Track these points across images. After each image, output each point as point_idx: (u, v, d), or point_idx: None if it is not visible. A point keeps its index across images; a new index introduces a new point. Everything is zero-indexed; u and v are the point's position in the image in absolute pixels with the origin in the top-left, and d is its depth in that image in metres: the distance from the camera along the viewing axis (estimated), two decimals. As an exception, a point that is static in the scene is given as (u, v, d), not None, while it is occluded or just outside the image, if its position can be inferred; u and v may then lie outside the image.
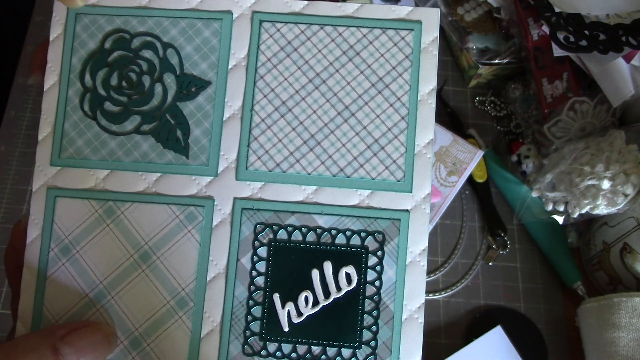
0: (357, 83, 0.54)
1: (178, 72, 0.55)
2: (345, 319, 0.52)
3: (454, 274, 1.00)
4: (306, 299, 0.52)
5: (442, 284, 0.99)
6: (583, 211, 0.88)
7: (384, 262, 0.52)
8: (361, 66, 0.54)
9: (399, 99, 0.54)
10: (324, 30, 0.55)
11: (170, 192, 0.54)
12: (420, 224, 0.53)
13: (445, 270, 0.99)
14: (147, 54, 0.55)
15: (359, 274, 0.52)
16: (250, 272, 0.53)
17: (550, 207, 0.94)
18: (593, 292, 0.97)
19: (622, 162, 0.83)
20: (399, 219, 0.53)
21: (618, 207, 0.85)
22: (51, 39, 0.55)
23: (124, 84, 0.55)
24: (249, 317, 0.52)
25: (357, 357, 0.51)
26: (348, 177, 0.53)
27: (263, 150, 0.54)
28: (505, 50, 1.05)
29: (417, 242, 0.53)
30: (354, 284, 0.52)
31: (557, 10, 0.91)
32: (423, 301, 0.52)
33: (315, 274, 0.52)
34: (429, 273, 0.99)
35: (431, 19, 0.55)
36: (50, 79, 0.55)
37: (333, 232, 0.53)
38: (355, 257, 0.53)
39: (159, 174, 0.54)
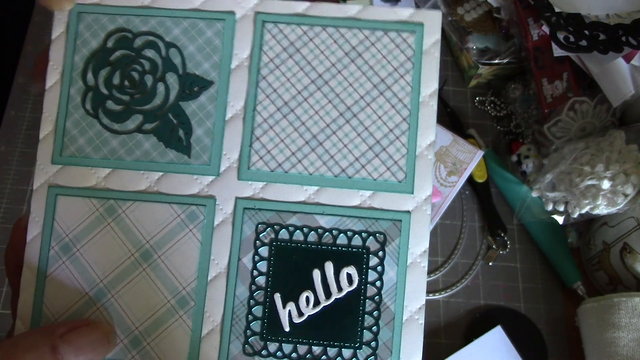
0: (359, 84, 0.54)
1: (180, 72, 0.55)
2: (346, 320, 0.52)
3: (454, 274, 1.00)
4: (307, 299, 0.52)
5: (442, 284, 0.99)
6: (583, 211, 0.88)
7: (385, 262, 0.52)
8: (363, 67, 0.54)
9: (400, 100, 0.54)
10: (327, 31, 0.55)
11: (172, 191, 0.54)
12: (421, 225, 0.53)
13: (445, 270, 0.99)
14: (150, 53, 0.55)
15: (360, 274, 0.52)
16: (252, 272, 0.53)
17: (550, 207, 0.94)
18: (593, 292, 0.98)
19: (622, 162, 0.84)
20: (400, 220, 0.53)
21: (618, 207, 0.85)
22: (53, 37, 0.55)
23: (126, 82, 0.55)
24: (250, 317, 0.52)
25: (357, 358, 0.52)
26: (350, 177, 0.53)
27: (265, 150, 0.54)
28: (505, 50, 1.05)
29: (418, 243, 0.53)
30: (355, 285, 0.52)
31: (557, 10, 0.91)
32: (423, 302, 0.52)
33: (316, 274, 0.52)
34: (429, 273, 0.99)
35: (433, 21, 0.55)
36: (52, 77, 0.55)
37: (334, 232, 0.53)
38: (357, 257, 0.53)
39: (160, 173, 0.54)
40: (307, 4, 0.55)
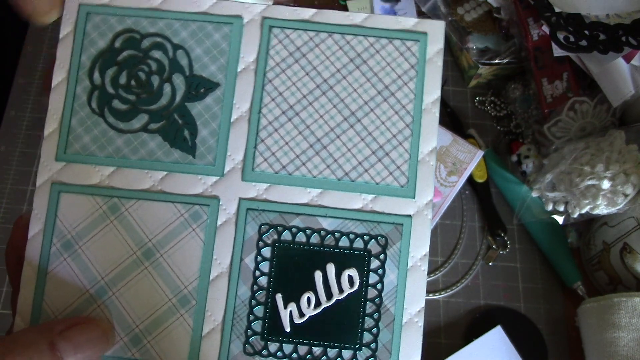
0: (363, 90, 0.55)
1: (187, 73, 0.55)
2: (347, 321, 0.52)
3: (454, 274, 1.00)
4: (308, 300, 0.52)
5: (442, 284, 0.99)
6: (583, 211, 0.88)
7: (386, 265, 0.53)
8: (368, 74, 0.55)
9: (404, 107, 0.54)
10: (332, 38, 0.55)
11: (175, 191, 0.54)
12: (422, 229, 0.53)
13: (445, 270, 1.00)
14: (157, 54, 0.55)
15: (361, 276, 0.53)
16: (254, 272, 0.53)
17: (550, 207, 0.95)
18: (593, 292, 0.98)
19: (622, 162, 0.84)
20: (402, 224, 0.53)
21: (618, 207, 0.86)
22: (61, 36, 0.56)
23: (132, 82, 0.55)
24: (251, 317, 0.53)
25: (357, 359, 0.52)
26: (353, 181, 0.54)
27: (269, 152, 0.54)
28: (505, 50, 1.05)
29: (419, 247, 0.53)
30: (356, 287, 0.53)
31: (557, 10, 0.91)
32: (423, 305, 0.52)
33: (318, 275, 0.53)
34: (429, 273, 1.00)
35: (436, 31, 0.55)
36: (59, 76, 0.55)
37: (337, 234, 0.53)
38: (358, 260, 0.53)
39: (165, 173, 0.54)
40: (314, 10, 0.56)
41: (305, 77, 0.55)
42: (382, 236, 0.53)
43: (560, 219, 0.98)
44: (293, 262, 0.53)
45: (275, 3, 0.56)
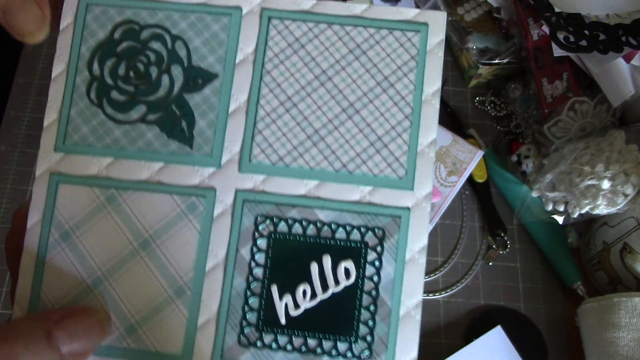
0: (362, 81, 0.54)
1: (186, 64, 0.55)
2: (343, 313, 0.52)
3: (454, 274, 1.00)
4: (304, 291, 0.52)
5: (442, 284, 1.00)
6: (583, 211, 0.88)
7: (383, 258, 0.52)
8: (367, 65, 0.55)
9: (403, 98, 0.54)
10: (332, 28, 0.55)
11: (173, 182, 0.54)
12: (421, 221, 0.53)
13: (445, 270, 1.00)
14: (156, 45, 0.55)
15: (357, 269, 0.52)
16: (249, 263, 0.53)
17: (550, 207, 0.95)
18: (593, 292, 0.98)
19: (622, 162, 0.84)
20: (400, 216, 0.53)
21: (618, 207, 0.86)
22: (61, 28, 0.56)
23: (131, 73, 0.55)
24: (246, 308, 0.52)
25: (352, 351, 0.52)
26: (350, 173, 0.53)
27: (267, 144, 0.54)
28: (505, 50, 1.05)
29: (417, 240, 0.53)
30: (352, 279, 0.52)
31: (557, 10, 0.91)
32: (420, 299, 0.52)
33: (314, 267, 0.53)
34: (429, 273, 1.00)
35: (438, 21, 0.55)
36: (59, 67, 0.55)
37: (333, 226, 0.53)
38: (355, 252, 0.53)
39: (162, 163, 0.54)
40: (313, 1, 0.56)
41: (304, 69, 0.55)
42: (380, 228, 0.53)
43: (560, 219, 0.98)
44: (289, 253, 0.53)
45: None
